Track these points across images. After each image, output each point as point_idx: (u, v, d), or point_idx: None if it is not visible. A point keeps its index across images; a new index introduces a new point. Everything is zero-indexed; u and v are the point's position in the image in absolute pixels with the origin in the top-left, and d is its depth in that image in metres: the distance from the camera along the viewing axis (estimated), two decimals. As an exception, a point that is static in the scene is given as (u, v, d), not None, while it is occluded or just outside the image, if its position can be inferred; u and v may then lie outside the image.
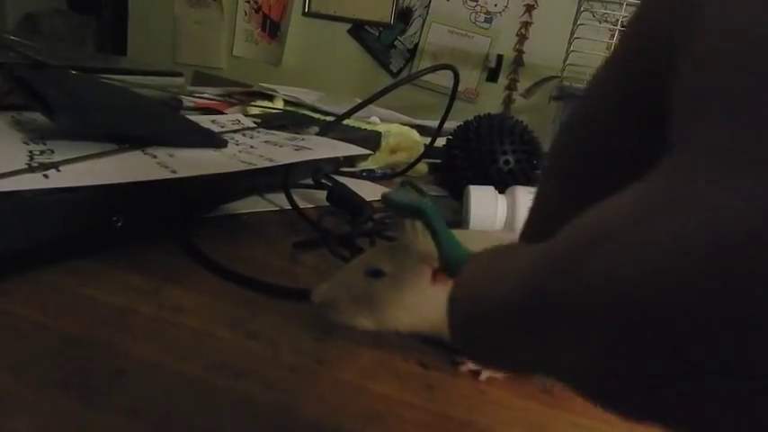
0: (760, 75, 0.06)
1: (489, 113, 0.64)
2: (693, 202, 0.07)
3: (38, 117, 0.39)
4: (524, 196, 0.47)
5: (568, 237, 0.08)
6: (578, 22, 1.20)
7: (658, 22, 0.09)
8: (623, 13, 1.14)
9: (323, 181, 0.51)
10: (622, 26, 1.16)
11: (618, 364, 0.07)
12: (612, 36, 1.18)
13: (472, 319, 0.10)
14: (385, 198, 0.24)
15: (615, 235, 0.07)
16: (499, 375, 0.27)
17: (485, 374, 0.27)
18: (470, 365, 0.27)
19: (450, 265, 0.17)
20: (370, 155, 0.65)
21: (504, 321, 0.09)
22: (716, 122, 0.07)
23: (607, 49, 1.24)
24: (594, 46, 1.18)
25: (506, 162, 0.59)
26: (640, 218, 0.07)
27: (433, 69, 0.58)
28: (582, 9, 1.20)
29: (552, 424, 0.25)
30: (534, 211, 0.13)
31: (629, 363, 0.07)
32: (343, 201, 0.48)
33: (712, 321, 0.06)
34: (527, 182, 0.59)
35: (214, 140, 0.43)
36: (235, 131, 0.50)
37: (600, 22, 1.27)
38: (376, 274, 0.27)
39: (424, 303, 0.27)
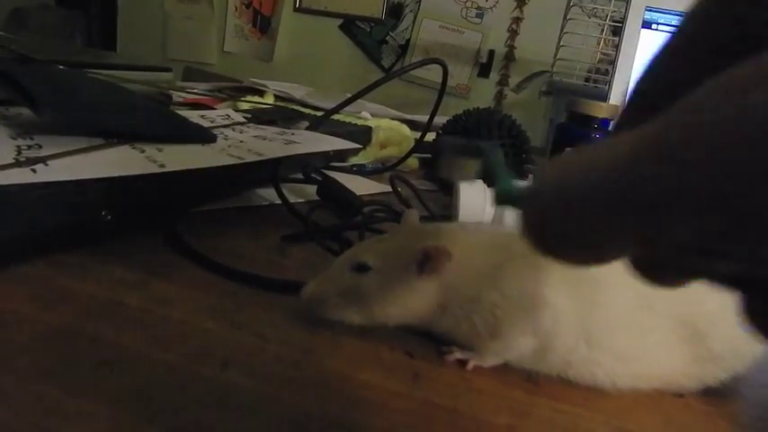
0: None
1: (478, 108, 0.64)
2: None
3: (25, 112, 0.39)
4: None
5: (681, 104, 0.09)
6: (568, 17, 1.20)
7: None
8: (612, 8, 1.15)
9: (313, 175, 0.51)
10: (612, 21, 1.16)
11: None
12: (602, 31, 1.18)
13: (568, 203, 0.11)
14: (442, 141, 0.25)
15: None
16: (485, 365, 0.27)
17: (471, 364, 0.27)
18: (457, 354, 0.28)
19: (506, 194, 0.17)
20: (359, 149, 0.65)
21: (612, 194, 0.10)
22: None
23: (597, 44, 1.25)
24: (584, 41, 1.18)
25: (495, 156, 0.59)
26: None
27: (422, 64, 0.58)
28: (571, 4, 1.20)
29: (535, 411, 0.25)
30: (626, 113, 0.14)
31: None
32: (333, 195, 0.48)
33: None
34: (515, 175, 0.60)
35: (203, 135, 0.43)
36: (224, 126, 0.50)
37: (589, 17, 1.28)
38: (362, 268, 0.27)
39: (410, 296, 0.27)
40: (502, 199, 0.17)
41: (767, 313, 0.11)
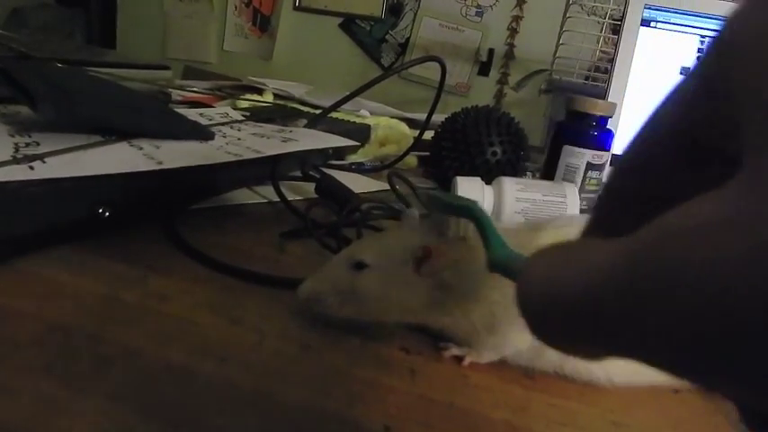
0: None
1: (476, 106, 0.64)
2: None
3: (23, 109, 0.39)
4: (510, 187, 0.47)
5: (652, 230, 0.09)
6: (567, 16, 1.20)
7: (724, 74, 0.10)
8: (611, 6, 1.15)
9: (311, 173, 0.51)
10: (611, 19, 1.16)
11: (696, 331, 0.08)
12: (601, 29, 1.18)
13: (553, 308, 0.11)
14: (433, 197, 0.25)
15: (699, 231, 0.08)
16: (482, 361, 0.27)
17: (468, 360, 0.27)
18: (454, 351, 0.28)
19: (498, 264, 0.17)
20: (358, 147, 0.65)
21: (594, 307, 0.10)
22: None
23: (597, 42, 1.25)
24: (584, 39, 1.18)
25: (494, 153, 0.59)
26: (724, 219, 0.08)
27: (420, 61, 0.58)
28: (571, 2, 1.20)
29: (532, 405, 0.25)
30: (599, 213, 0.15)
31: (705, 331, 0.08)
32: (331, 192, 0.48)
33: None
34: (513, 172, 0.60)
35: (201, 132, 0.43)
36: (223, 124, 0.50)
37: (588, 15, 1.28)
38: (359, 266, 0.27)
39: (408, 294, 0.27)
40: (495, 267, 0.17)
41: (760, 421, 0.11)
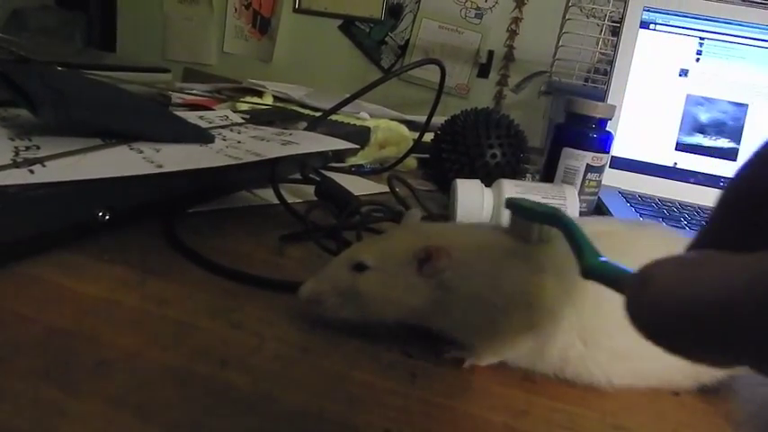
0: None
1: (476, 108, 0.64)
2: None
3: (23, 113, 0.39)
4: (510, 189, 0.47)
5: None
6: (567, 18, 1.20)
7: None
8: (611, 9, 1.15)
9: (311, 176, 0.51)
10: (610, 21, 1.16)
11: None
12: (600, 31, 1.18)
13: (681, 317, 0.11)
14: (515, 204, 0.25)
15: None
16: (482, 363, 0.27)
17: (468, 362, 0.27)
18: (454, 353, 0.28)
19: (594, 271, 0.17)
20: (357, 149, 0.65)
21: (727, 315, 0.11)
22: None
23: (596, 44, 1.25)
24: (583, 41, 1.18)
25: (493, 156, 0.59)
26: None
27: (419, 64, 0.58)
28: (570, 4, 1.20)
29: (532, 409, 0.25)
30: (716, 228, 0.15)
31: None
32: (331, 195, 0.48)
33: None
34: (513, 174, 0.60)
35: (200, 136, 0.43)
36: (222, 127, 0.51)
37: (588, 18, 1.28)
38: (360, 267, 0.27)
39: (409, 295, 0.27)
40: (590, 275, 0.17)
41: None
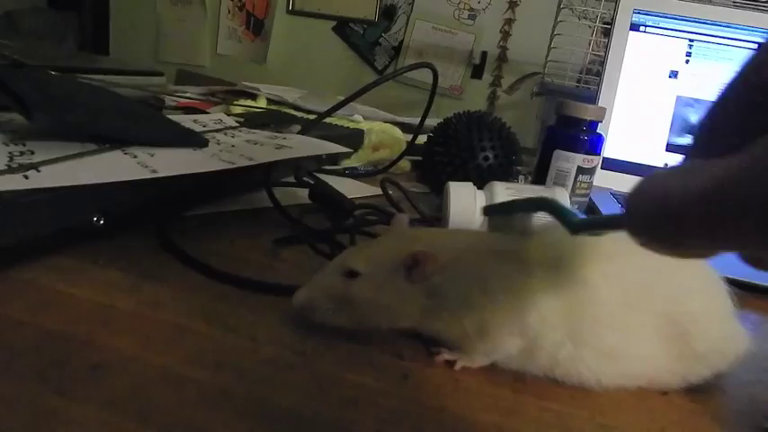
0: None
1: (468, 110, 0.65)
2: None
3: (17, 118, 0.39)
4: (502, 191, 0.48)
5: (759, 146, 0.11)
6: (558, 20, 1.21)
7: None
8: (602, 10, 1.16)
9: (305, 179, 0.51)
10: (602, 22, 1.17)
11: None
12: (592, 33, 1.19)
13: (676, 207, 0.13)
14: (491, 207, 0.26)
15: None
16: (473, 365, 0.28)
17: (459, 364, 0.28)
18: (445, 355, 0.28)
19: (579, 225, 0.19)
20: (350, 153, 0.65)
21: (717, 202, 0.12)
22: None
23: (588, 45, 1.26)
24: (574, 42, 1.19)
25: (485, 158, 0.60)
26: None
27: (413, 68, 0.59)
28: (562, 6, 1.22)
29: (523, 409, 0.25)
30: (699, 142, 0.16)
31: None
32: (325, 198, 0.48)
33: None
34: (505, 177, 0.60)
35: (194, 140, 0.44)
36: (216, 131, 0.51)
37: (579, 19, 1.29)
38: (351, 274, 0.28)
39: (399, 301, 0.28)
40: (578, 228, 0.19)
41: None
